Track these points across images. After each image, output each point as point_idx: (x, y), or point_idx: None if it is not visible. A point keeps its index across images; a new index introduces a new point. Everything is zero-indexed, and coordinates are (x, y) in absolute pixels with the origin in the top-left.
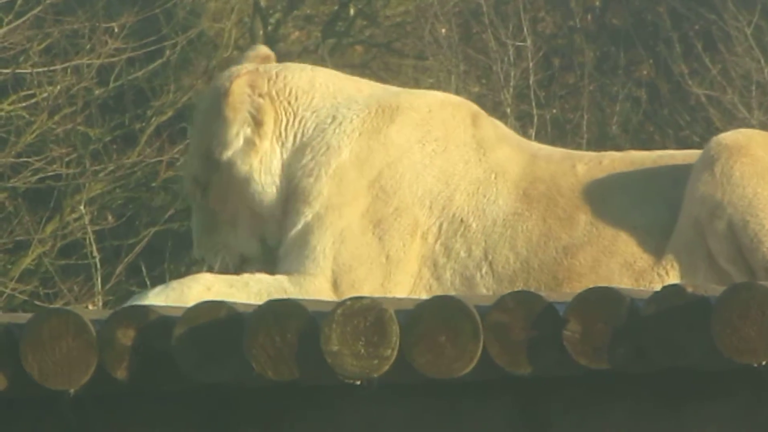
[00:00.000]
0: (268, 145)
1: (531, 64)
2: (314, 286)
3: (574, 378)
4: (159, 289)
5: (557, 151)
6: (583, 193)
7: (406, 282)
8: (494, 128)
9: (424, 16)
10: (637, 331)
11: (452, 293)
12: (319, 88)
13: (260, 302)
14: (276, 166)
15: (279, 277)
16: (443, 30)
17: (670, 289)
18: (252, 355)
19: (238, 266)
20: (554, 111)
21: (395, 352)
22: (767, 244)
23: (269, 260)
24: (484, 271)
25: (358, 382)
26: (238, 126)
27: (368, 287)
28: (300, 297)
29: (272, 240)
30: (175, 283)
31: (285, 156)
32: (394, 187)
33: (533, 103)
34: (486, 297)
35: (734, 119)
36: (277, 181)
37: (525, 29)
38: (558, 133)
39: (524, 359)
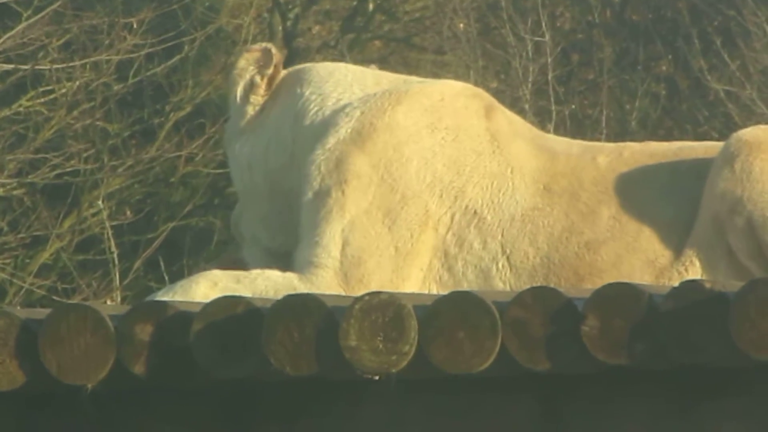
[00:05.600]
0: (248, 127)
1: (550, 60)
2: (324, 283)
3: (593, 374)
4: (165, 290)
5: (574, 144)
6: (606, 186)
7: (415, 275)
8: (508, 122)
9: (442, 11)
10: (656, 327)
11: (465, 285)
12: (336, 76)
13: (265, 299)
14: (255, 151)
15: (289, 274)
16: (462, 25)
17: (688, 285)
18: (270, 350)
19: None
20: (573, 107)
21: (413, 348)
22: None
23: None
24: (501, 264)
25: (377, 378)
26: (234, 95)
27: (377, 280)
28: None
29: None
30: (182, 281)
31: (277, 139)
32: (400, 171)
33: (552, 99)
34: (504, 293)
35: (753, 114)
36: (253, 163)
37: (544, 25)
38: (577, 129)
39: (543, 355)
